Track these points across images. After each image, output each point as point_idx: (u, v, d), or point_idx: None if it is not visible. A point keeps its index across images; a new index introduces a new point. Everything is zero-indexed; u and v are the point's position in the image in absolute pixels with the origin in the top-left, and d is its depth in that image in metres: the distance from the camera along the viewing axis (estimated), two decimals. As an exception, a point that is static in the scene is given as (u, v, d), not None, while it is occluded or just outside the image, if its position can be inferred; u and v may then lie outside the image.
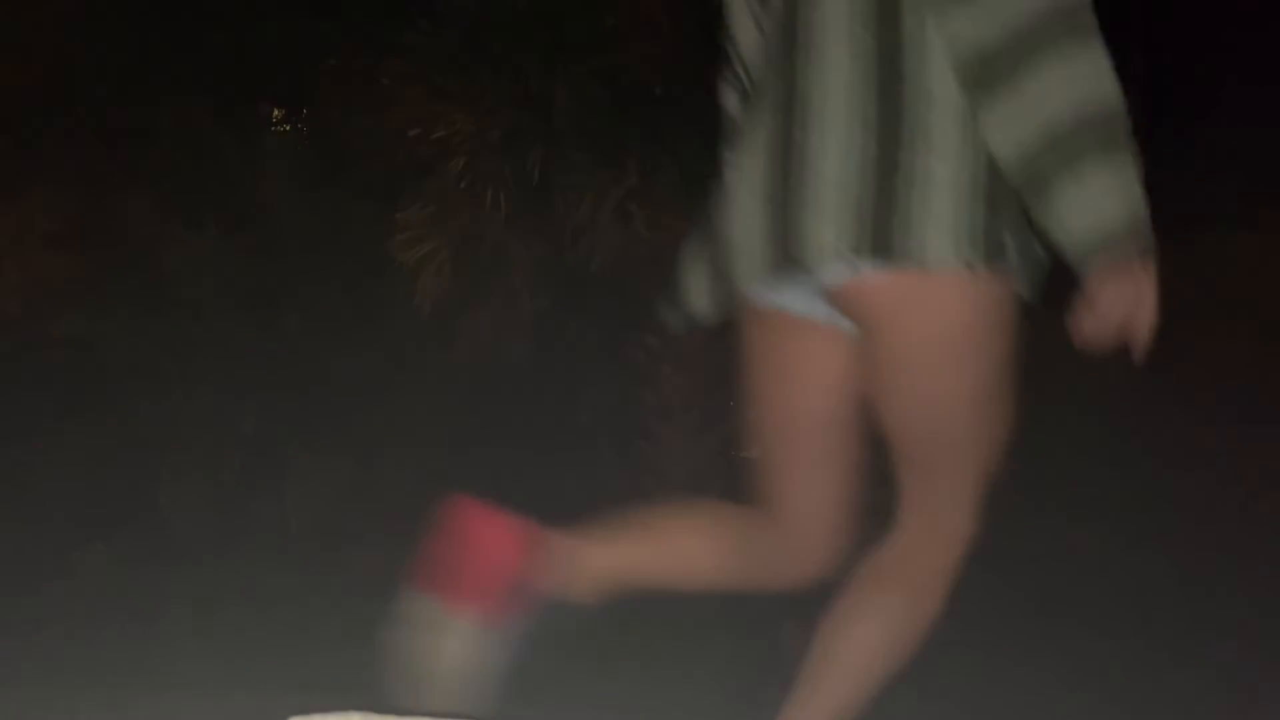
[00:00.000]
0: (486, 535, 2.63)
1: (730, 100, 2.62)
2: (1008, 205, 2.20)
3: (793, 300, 2.43)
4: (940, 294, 2.22)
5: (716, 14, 7.09)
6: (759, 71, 2.43)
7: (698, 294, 2.62)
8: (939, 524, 2.57)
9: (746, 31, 2.50)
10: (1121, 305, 2.20)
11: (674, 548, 2.71)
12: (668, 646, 6.62)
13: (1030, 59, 2.08)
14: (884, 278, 2.20)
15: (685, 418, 7.21)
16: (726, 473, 7.52)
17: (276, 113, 8.91)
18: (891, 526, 2.72)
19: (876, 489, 2.71)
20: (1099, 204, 2.12)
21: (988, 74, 2.10)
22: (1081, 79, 2.14)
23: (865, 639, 2.57)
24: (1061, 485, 7.26)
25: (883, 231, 2.16)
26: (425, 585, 2.63)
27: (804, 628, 2.75)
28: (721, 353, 7.50)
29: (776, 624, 6.08)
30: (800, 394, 2.60)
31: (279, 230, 8.00)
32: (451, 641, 2.56)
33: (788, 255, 2.25)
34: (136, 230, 7.95)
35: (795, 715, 2.58)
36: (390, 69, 6.80)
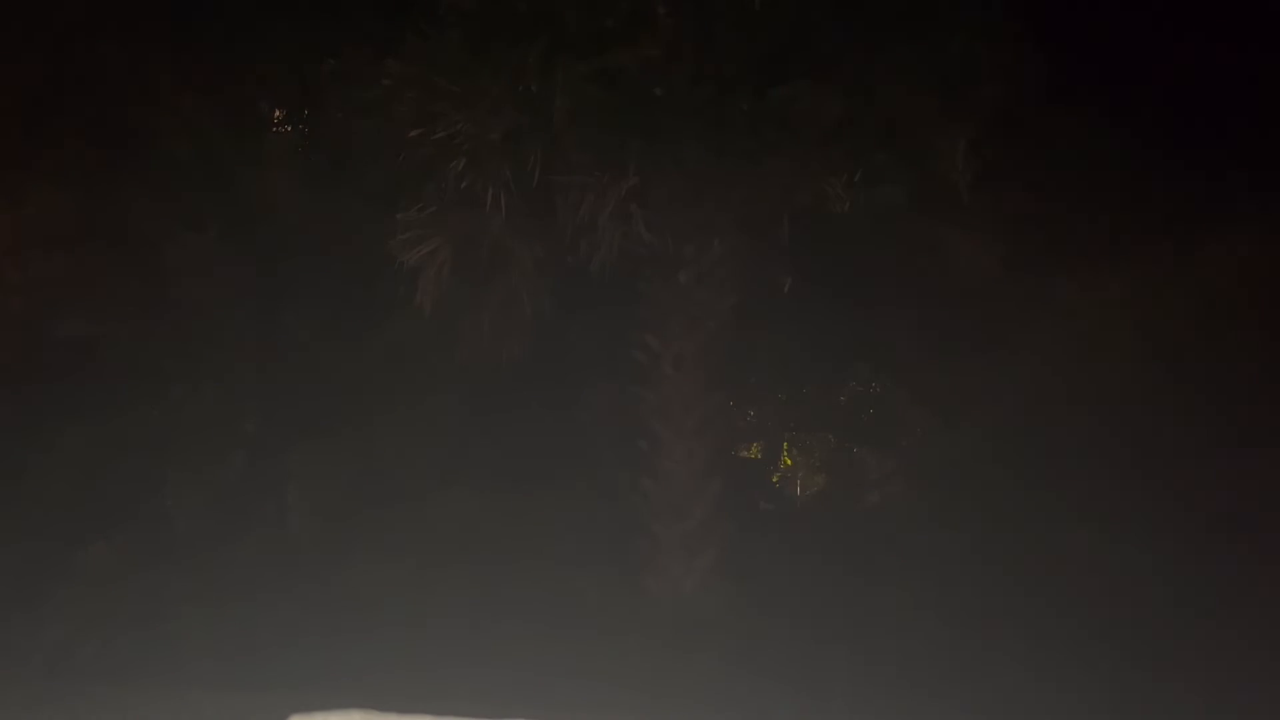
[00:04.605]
0: None
1: None
2: None
3: None
4: None
5: (716, 14, 7.07)
6: None
7: None
8: None
9: None
10: None
11: None
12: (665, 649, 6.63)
13: None
14: None
15: (685, 418, 7.22)
16: (726, 473, 7.53)
17: (276, 113, 8.91)
18: None
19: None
20: None
21: None
22: None
23: None
24: (1061, 485, 7.26)
25: None
26: None
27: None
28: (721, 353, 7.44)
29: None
30: None
31: (279, 230, 8.01)
32: None
33: None
34: (137, 230, 7.95)
35: None
36: (390, 69, 6.79)
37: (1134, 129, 7.04)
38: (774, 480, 10.22)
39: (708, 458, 7.24)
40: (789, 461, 10.39)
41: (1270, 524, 6.75)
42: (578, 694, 5.48)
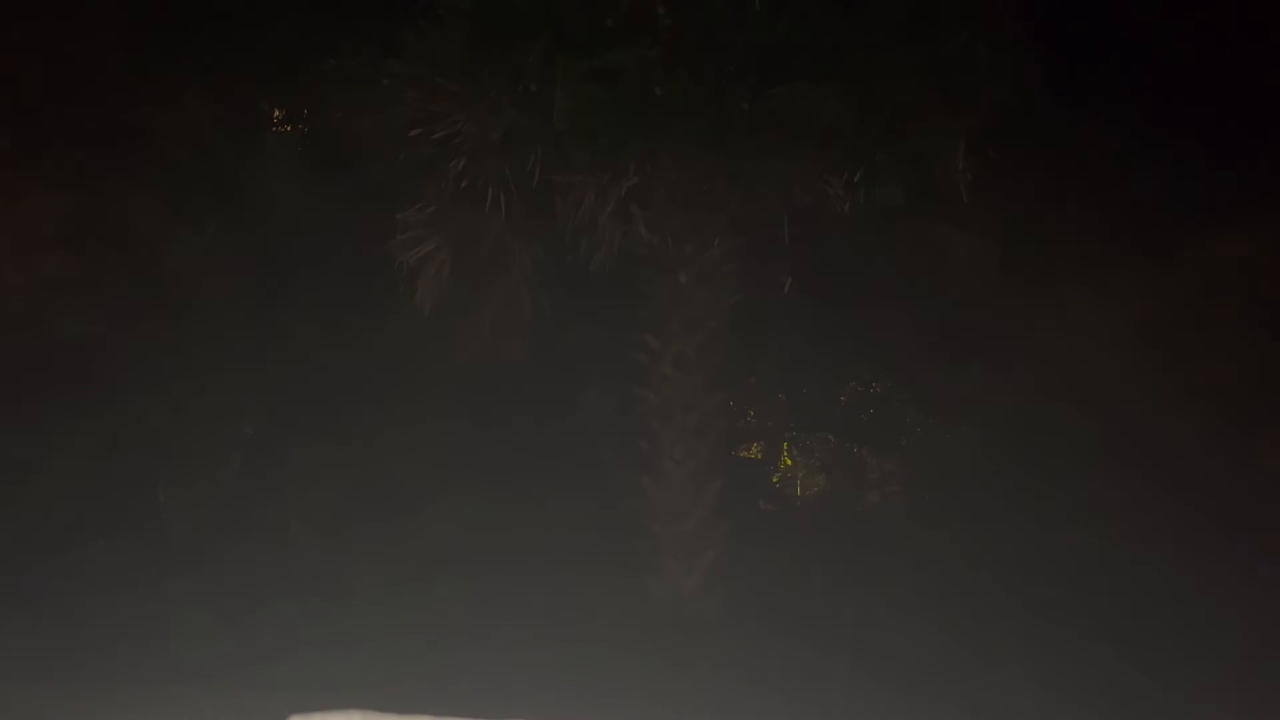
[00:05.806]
0: None
1: None
2: None
3: None
4: None
5: (716, 14, 7.06)
6: None
7: None
8: None
9: None
10: None
11: None
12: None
13: None
14: None
15: (685, 418, 7.21)
16: (727, 473, 7.53)
17: (276, 113, 8.91)
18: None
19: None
20: None
21: None
22: None
23: None
24: (1061, 486, 7.27)
25: None
26: None
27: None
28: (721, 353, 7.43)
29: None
30: None
31: (279, 230, 8.01)
32: None
33: None
34: (137, 230, 7.95)
35: None
36: (390, 69, 6.79)
37: (1134, 129, 7.04)
38: (774, 480, 10.23)
39: (708, 458, 7.23)
40: (789, 461, 10.39)
41: (1270, 524, 6.75)
42: (577, 695, 5.49)
